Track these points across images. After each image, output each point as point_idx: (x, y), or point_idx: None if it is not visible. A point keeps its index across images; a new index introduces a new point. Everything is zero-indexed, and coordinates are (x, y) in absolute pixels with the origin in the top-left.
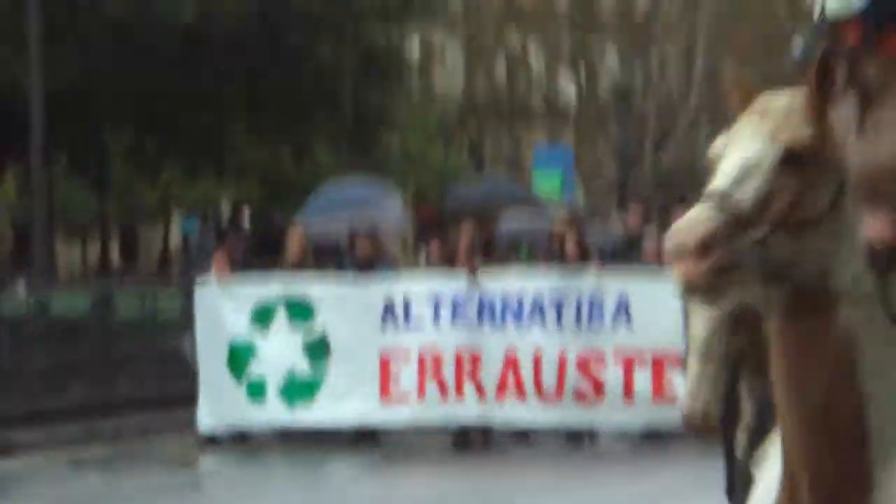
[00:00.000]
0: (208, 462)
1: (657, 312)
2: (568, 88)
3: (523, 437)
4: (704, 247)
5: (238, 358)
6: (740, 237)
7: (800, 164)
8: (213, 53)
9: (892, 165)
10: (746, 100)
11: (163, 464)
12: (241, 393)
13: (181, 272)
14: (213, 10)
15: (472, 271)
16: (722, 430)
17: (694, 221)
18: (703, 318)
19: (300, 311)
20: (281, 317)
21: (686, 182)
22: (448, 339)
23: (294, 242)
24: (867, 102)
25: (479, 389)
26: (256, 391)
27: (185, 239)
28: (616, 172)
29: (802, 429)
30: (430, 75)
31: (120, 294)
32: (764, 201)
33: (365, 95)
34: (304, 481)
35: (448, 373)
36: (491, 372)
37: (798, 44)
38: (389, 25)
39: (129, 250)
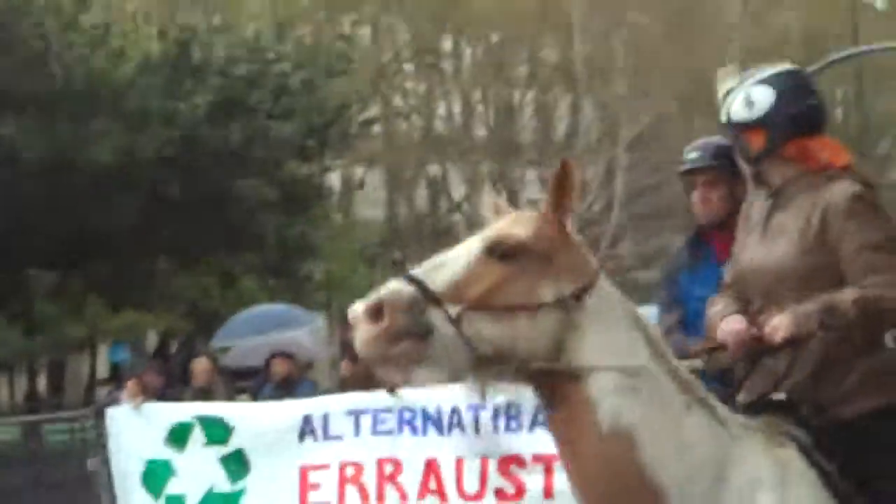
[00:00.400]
0: None
1: None
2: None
3: None
4: (376, 312)
5: (154, 476)
6: (427, 311)
7: (507, 256)
8: (134, 192)
9: (780, 269)
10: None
11: None
12: None
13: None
14: (133, 151)
15: (391, 388)
16: None
17: (373, 293)
18: None
19: (216, 429)
20: (197, 435)
21: None
22: (369, 451)
23: (200, 369)
24: (772, 208)
25: (402, 494)
26: None
27: (115, 367)
28: None
29: None
30: (350, 204)
31: (48, 424)
32: (460, 284)
33: (288, 226)
34: None
35: (369, 480)
36: (413, 478)
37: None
38: (309, 161)
39: (56, 382)
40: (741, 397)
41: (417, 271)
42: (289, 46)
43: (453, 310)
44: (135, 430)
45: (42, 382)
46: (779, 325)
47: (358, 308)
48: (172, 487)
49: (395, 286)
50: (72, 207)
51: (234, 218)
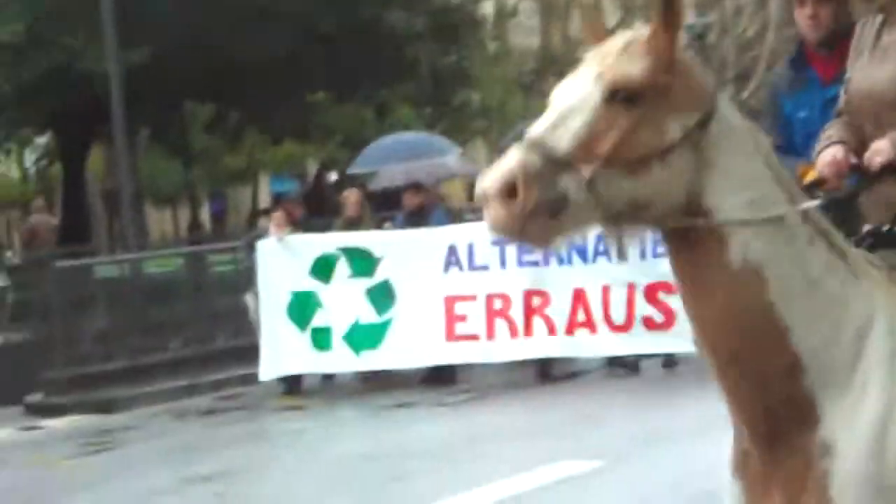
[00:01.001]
0: (285, 410)
1: None
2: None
3: (604, 367)
4: (508, 190)
5: (300, 308)
6: (558, 179)
7: (630, 100)
8: (288, 27)
9: (888, 92)
10: (599, 42)
11: (259, 411)
12: (305, 342)
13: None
14: None
15: None
16: None
17: (499, 166)
18: None
19: (362, 261)
20: (342, 267)
21: None
22: (515, 282)
23: (352, 200)
24: (882, 25)
25: (550, 327)
26: (321, 340)
27: (277, 197)
28: None
29: (725, 370)
30: (504, 32)
31: (211, 252)
32: (587, 140)
33: (441, 55)
34: (385, 421)
35: (517, 312)
36: (560, 308)
37: None
38: None
39: (220, 212)
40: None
41: (539, 132)
42: None
43: (586, 171)
44: (281, 261)
45: (205, 213)
46: (878, 149)
47: (487, 185)
48: (318, 320)
49: (522, 156)
50: (227, 40)
51: (387, 49)
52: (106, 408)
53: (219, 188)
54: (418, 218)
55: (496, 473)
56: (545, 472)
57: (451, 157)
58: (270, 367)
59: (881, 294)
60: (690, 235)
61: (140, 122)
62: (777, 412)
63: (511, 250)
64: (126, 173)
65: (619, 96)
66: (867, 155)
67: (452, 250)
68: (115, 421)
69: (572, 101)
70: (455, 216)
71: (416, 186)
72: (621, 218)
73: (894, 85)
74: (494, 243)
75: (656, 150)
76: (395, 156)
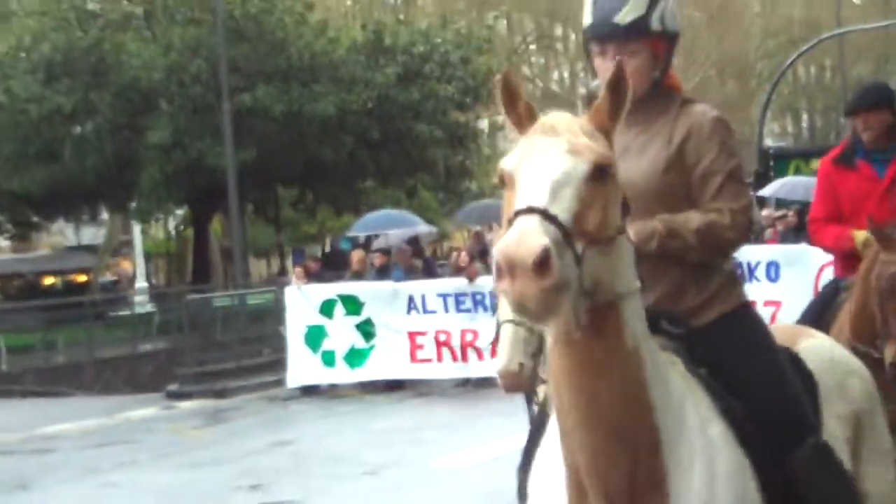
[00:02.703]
0: (302, 406)
1: None
2: None
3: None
4: (542, 264)
5: (313, 337)
6: (566, 254)
7: (604, 179)
8: (349, 135)
9: (640, 185)
10: (528, 116)
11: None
12: (317, 361)
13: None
14: (346, 106)
15: (470, 275)
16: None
17: (526, 236)
18: None
19: (352, 304)
20: (340, 308)
21: None
22: (455, 323)
23: (356, 258)
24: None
25: (479, 354)
26: (328, 359)
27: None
28: None
29: (594, 436)
30: (496, 140)
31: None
32: (578, 217)
33: (452, 156)
34: (370, 412)
35: (456, 343)
36: (485, 341)
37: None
38: (466, 112)
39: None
40: None
41: (544, 203)
42: (450, 34)
43: (578, 247)
44: (299, 303)
45: (289, 263)
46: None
47: (520, 257)
48: (326, 345)
49: (546, 230)
50: (305, 146)
51: (415, 151)
52: (220, 394)
53: (299, 246)
54: (384, 273)
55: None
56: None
57: (421, 226)
58: (294, 378)
59: (676, 371)
60: (598, 317)
61: (247, 200)
62: (638, 482)
63: (451, 301)
64: (236, 235)
65: (599, 174)
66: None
67: (412, 299)
68: (225, 404)
69: (556, 175)
70: (410, 270)
71: (383, 252)
72: (584, 297)
73: (646, 179)
74: (439, 295)
75: (620, 229)
76: (381, 225)
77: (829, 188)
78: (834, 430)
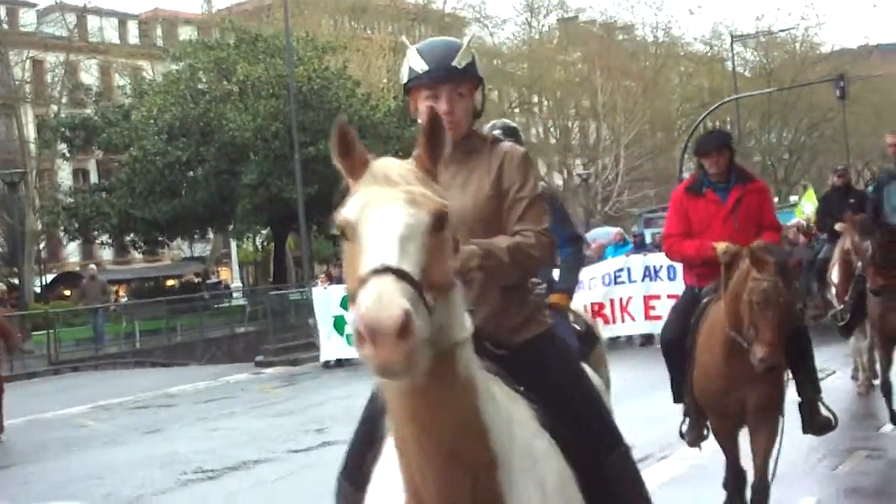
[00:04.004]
0: (343, 373)
1: None
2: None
3: None
4: (405, 328)
5: (339, 324)
6: (421, 309)
7: (442, 229)
8: None
9: (469, 216)
10: (361, 163)
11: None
12: (343, 342)
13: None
14: (383, 155)
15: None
16: None
17: (385, 300)
18: None
19: None
20: None
21: None
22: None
23: None
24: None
25: None
26: (349, 342)
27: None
28: None
29: (434, 461)
30: None
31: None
32: (425, 270)
33: None
34: None
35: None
36: None
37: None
38: None
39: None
40: None
41: (394, 260)
42: None
43: (429, 299)
44: (325, 300)
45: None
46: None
47: (382, 324)
48: (348, 330)
49: (398, 288)
50: None
51: None
52: (293, 363)
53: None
54: None
55: None
56: None
57: None
58: (325, 354)
59: (500, 391)
60: (439, 361)
61: (312, 222)
62: (479, 501)
63: None
64: (304, 247)
65: (439, 223)
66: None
67: None
68: (297, 370)
69: (400, 230)
70: None
71: None
72: (430, 346)
73: (470, 209)
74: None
75: (452, 279)
76: None
77: (683, 211)
78: None
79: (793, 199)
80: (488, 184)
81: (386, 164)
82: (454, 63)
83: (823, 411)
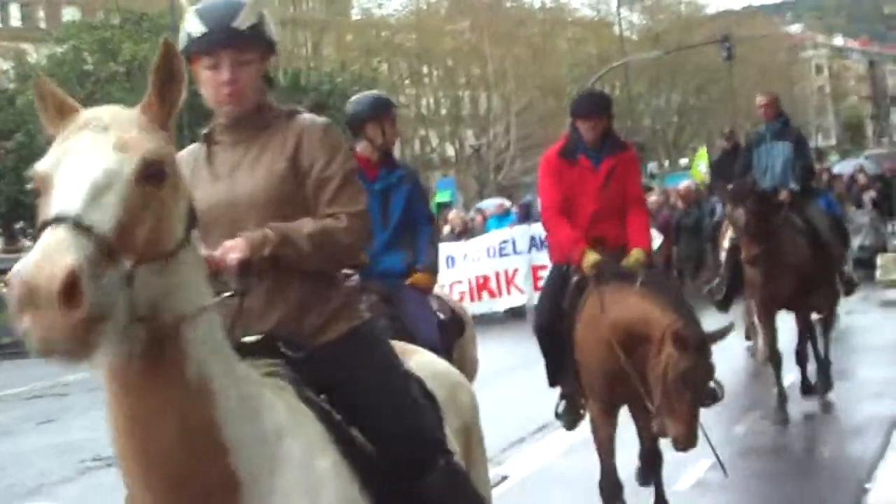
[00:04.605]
0: None
1: None
2: None
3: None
4: (70, 291)
5: None
6: (106, 273)
7: (159, 182)
8: None
9: (260, 196)
10: (62, 112)
11: None
12: None
13: None
14: None
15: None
16: None
17: (50, 256)
18: None
19: None
20: None
21: None
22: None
23: None
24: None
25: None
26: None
27: None
28: None
29: (155, 490)
30: None
31: None
32: (125, 227)
33: None
34: None
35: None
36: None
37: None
38: None
39: None
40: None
41: (77, 208)
42: (347, 75)
43: (127, 263)
44: None
45: None
46: (233, 246)
47: (40, 283)
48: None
49: (73, 241)
50: None
51: None
52: None
53: None
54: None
55: None
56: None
57: None
58: None
59: (278, 402)
60: (154, 350)
61: None
62: None
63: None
64: None
65: (153, 174)
66: (220, 252)
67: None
68: None
69: (96, 175)
70: None
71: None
72: (138, 326)
73: (257, 193)
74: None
75: (183, 242)
76: None
77: (557, 175)
78: (454, 446)
79: (682, 161)
80: (283, 161)
81: (98, 110)
82: (235, 24)
83: (710, 383)
